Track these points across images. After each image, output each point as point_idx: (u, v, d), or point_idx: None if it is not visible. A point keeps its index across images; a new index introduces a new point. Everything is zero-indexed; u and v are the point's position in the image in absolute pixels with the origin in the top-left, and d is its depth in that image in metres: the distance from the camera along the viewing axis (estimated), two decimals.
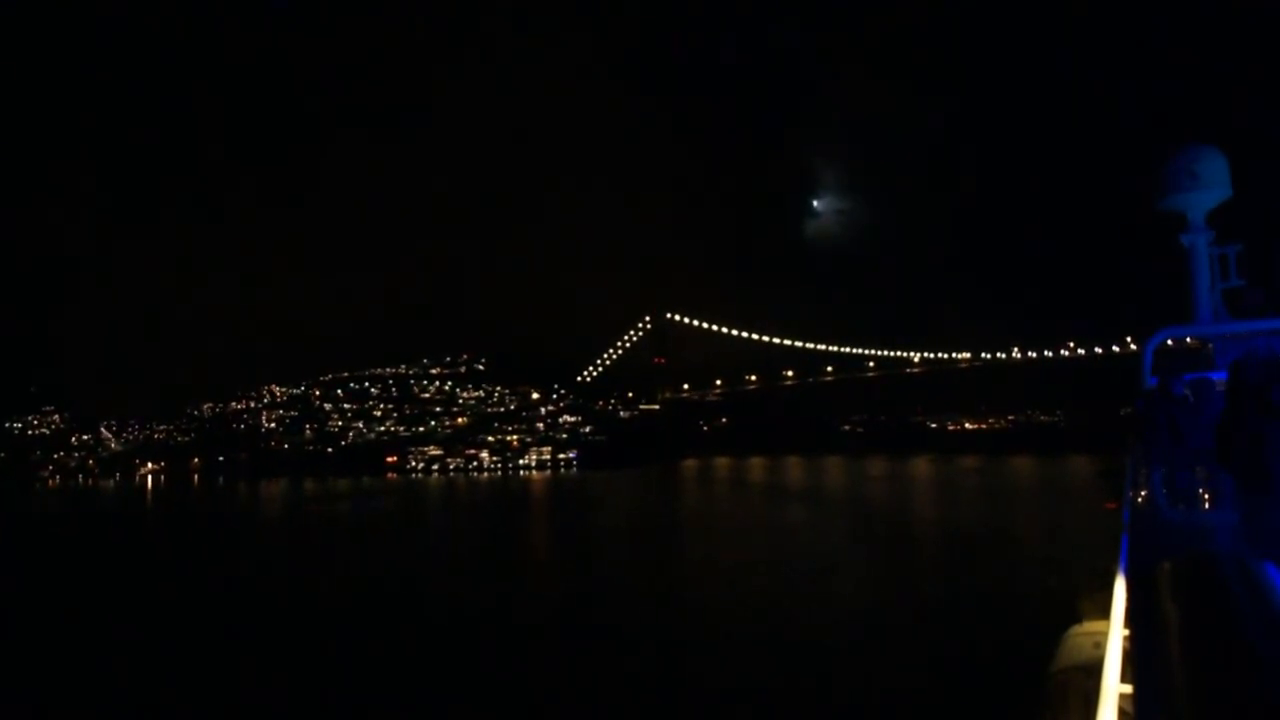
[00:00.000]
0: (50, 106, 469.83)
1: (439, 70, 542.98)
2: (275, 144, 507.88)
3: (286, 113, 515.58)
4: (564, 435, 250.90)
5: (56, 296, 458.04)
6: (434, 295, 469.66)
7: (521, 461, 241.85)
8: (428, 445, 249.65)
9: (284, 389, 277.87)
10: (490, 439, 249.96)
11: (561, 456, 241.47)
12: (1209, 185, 16.13)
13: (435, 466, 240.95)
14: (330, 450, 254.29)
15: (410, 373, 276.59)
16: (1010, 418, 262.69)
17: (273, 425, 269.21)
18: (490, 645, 31.56)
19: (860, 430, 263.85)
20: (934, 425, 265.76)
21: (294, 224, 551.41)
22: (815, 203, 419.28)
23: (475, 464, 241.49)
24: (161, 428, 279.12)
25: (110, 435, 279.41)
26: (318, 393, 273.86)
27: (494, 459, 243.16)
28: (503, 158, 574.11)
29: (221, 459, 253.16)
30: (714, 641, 31.64)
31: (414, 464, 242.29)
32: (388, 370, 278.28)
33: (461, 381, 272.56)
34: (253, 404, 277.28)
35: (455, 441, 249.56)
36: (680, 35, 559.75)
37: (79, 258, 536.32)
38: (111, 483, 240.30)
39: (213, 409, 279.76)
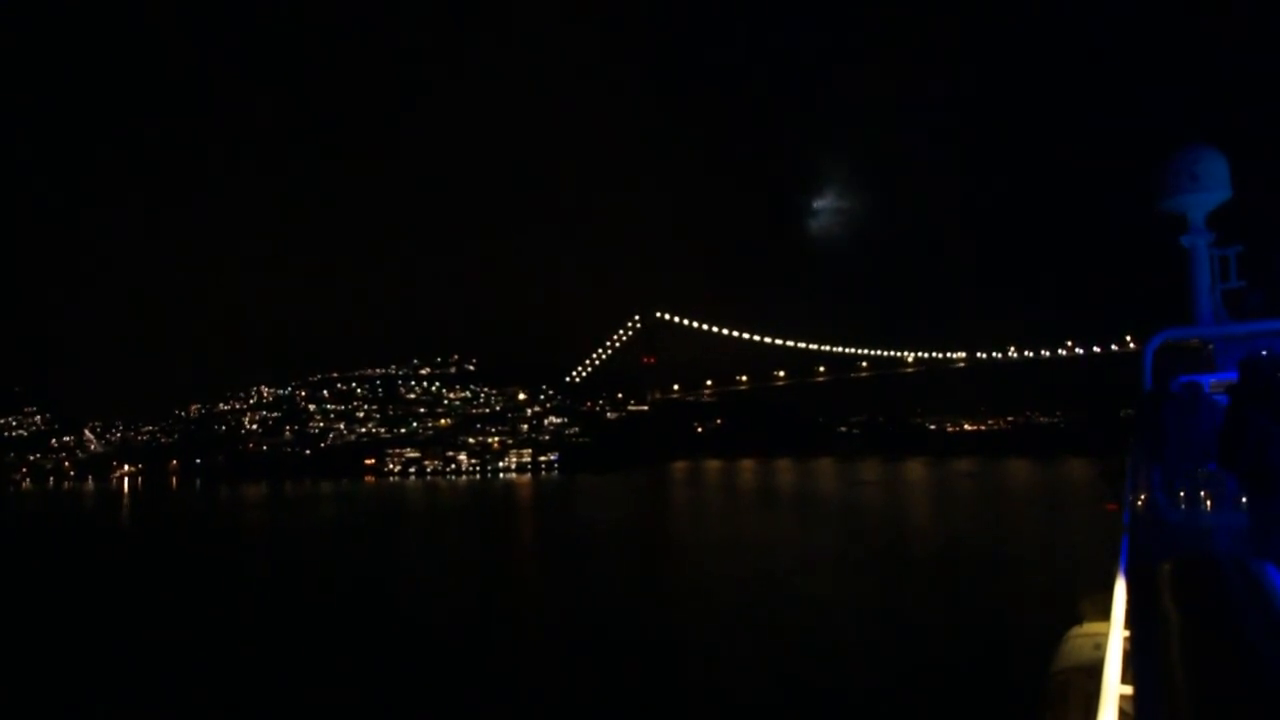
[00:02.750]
0: (40, 103, 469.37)
1: (428, 68, 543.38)
2: (271, 142, 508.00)
3: (280, 111, 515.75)
4: (547, 437, 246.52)
5: (47, 296, 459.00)
6: (427, 296, 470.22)
7: (501, 464, 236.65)
8: (407, 447, 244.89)
9: (272, 390, 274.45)
10: (471, 441, 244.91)
11: (542, 459, 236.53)
12: (1209, 187, 16.12)
13: (412, 469, 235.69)
14: (308, 452, 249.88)
15: (399, 373, 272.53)
16: (1010, 419, 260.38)
17: (254, 427, 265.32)
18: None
19: (857, 432, 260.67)
20: (933, 427, 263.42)
21: (290, 224, 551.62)
22: (808, 201, 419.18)
23: (453, 467, 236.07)
24: (146, 429, 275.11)
25: (92, 437, 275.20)
26: (303, 393, 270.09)
27: (472, 462, 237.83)
28: (495, 156, 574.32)
29: (198, 461, 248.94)
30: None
31: (391, 467, 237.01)
32: (376, 371, 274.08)
33: (450, 382, 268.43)
34: (239, 405, 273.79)
35: (434, 444, 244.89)
36: (672, 31, 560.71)
37: (72, 256, 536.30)
38: (84, 485, 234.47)
39: (200, 410, 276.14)
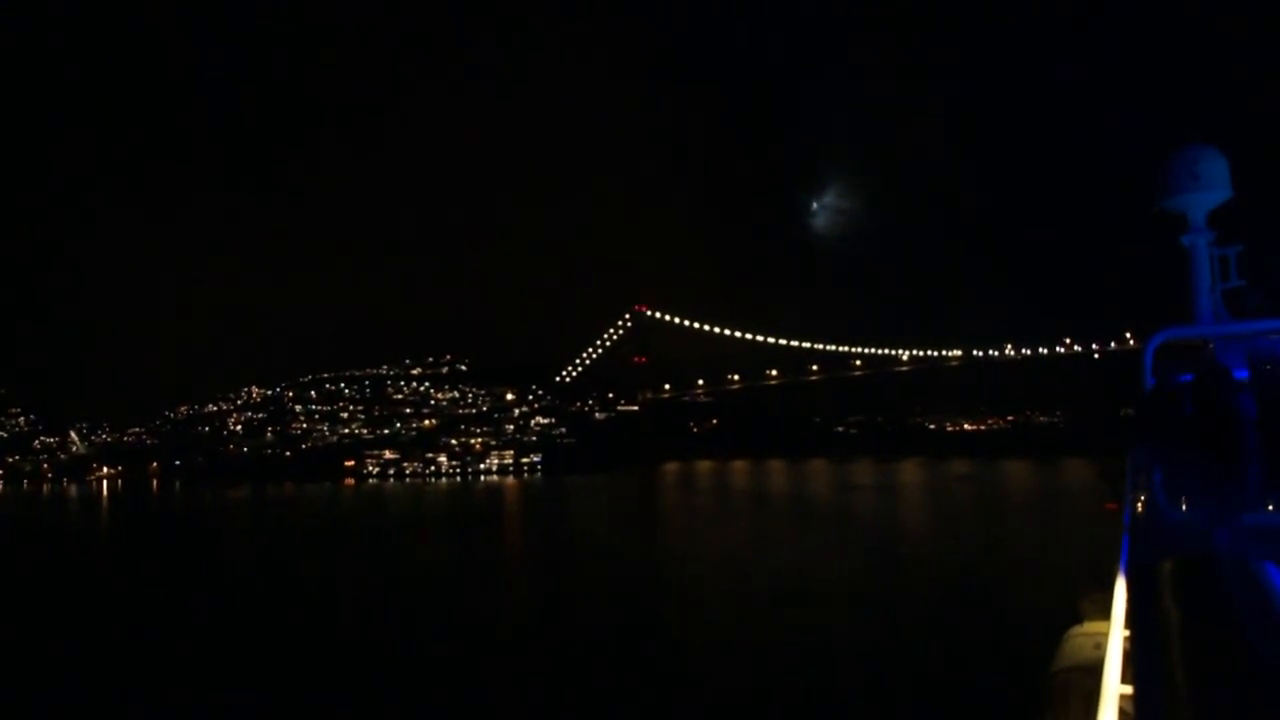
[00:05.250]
0: (28, 102, 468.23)
1: (421, 65, 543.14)
2: (267, 141, 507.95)
3: (273, 109, 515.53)
4: (533, 438, 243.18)
5: (40, 296, 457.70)
6: (423, 296, 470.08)
7: (482, 466, 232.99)
8: (387, 449, 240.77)
9: (261, 390, 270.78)
10: (453, 442, 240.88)
11: (525, 461, 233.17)
12: (1210, 186, 16.05)
13: (391, 471, 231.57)
14: (288, 454, 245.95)
15: (390, 373, 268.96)
16: (1009, 418, 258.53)
17: (237, 428, 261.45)
18: None
19: (854, 432, 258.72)
20: (931, 426, 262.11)
21: (284, 223, 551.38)
22: (801, 198, 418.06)
23: (432, 469, 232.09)
24: (133, 430, 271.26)
25: (77, 438, 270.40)
26: (290, 394, 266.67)
27: (452, 464, 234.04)
28: (489, 154, 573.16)
29: (178, 463, 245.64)
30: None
31: (370, 469, 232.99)
32: (368, 370, 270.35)
33: (440, 383, 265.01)
34: (227, 406, 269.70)
35: (415, 445, 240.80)
36: (666, 28, 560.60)
37: (68, 255, 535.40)
38: (62, 488, 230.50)
39: (188, 411, 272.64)
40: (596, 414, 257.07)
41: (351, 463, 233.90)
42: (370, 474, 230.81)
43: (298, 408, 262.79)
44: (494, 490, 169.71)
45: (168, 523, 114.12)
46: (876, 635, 33.77)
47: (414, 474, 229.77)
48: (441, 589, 51.40)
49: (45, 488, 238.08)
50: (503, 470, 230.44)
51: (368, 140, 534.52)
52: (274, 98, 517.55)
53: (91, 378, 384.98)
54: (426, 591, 50.63)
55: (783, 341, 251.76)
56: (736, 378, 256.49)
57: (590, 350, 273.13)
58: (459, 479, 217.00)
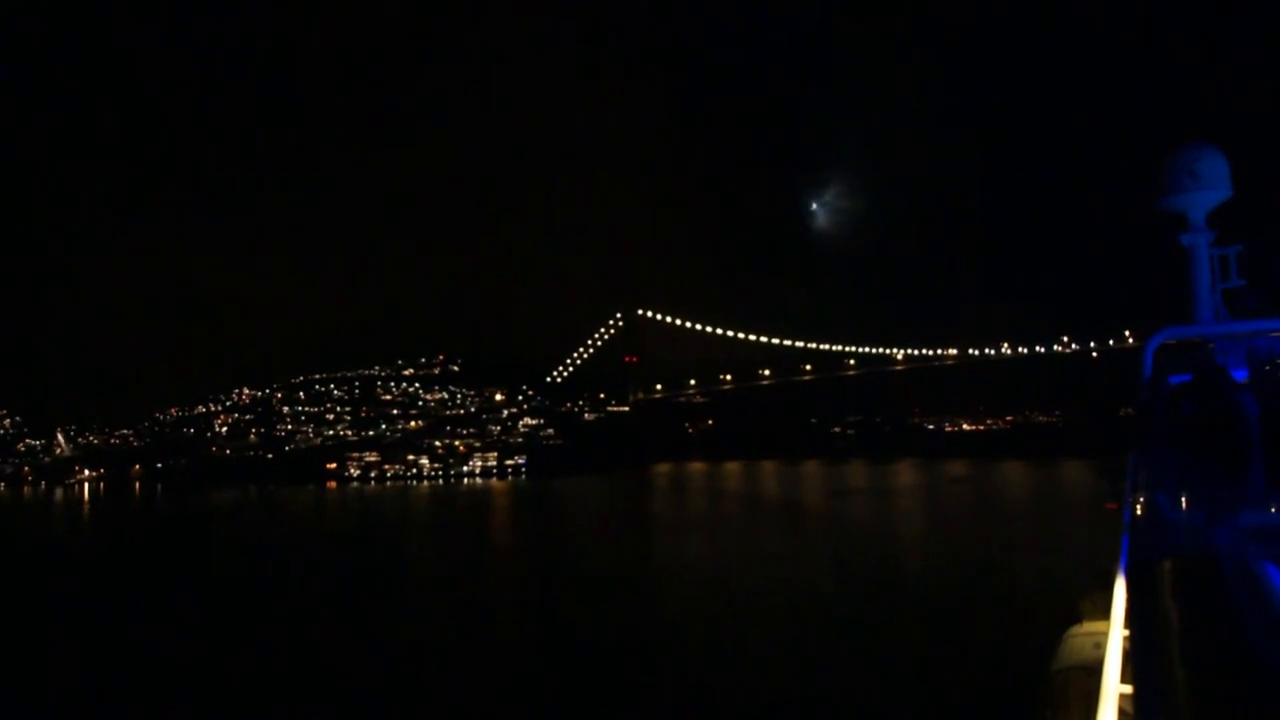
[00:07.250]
0: (17, 96, 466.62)
1: (414, 65, 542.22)
2: (260, 140, 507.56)
3: (265, 108, 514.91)
4: (520, 439, 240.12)
5: (34, 297, 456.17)
6: (419, 297, 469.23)
7: (465, 468, 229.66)
8: (370, 451, 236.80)
9: (252, 391, 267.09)
10: (437, 444, 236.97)
11: (509, 463, 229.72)
12: (1210, 185, 16.05)
13: (373, 474, 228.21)
14: (270, 456, 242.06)
15: (381, 374, 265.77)
16: (1008, 418, 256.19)
17: (222, 430, 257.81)
18: None
19: (851, 433, 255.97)
20: (930, 427, 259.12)
21: (282, 223, 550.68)
22: (797, 195, 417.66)
23: (414, 471, 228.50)
24: (121, 432, 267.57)
25: (63, 441, 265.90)
26: (280, 395, 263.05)
27: (435, 466, 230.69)
28: (480, 152, 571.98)
29: (160, 466, 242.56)
30: None
31: (351, 471, 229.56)
32: (360, 371, 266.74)
33: (431, 383, 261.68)
34: (216, 408, 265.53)
35: (398, 447, 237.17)
36: (658, 23, 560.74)
37: (69, 253, 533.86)
38: (40, 490, 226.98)
39: (178, 413, 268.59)
40: (586, 414, 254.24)
41: (333, 465, 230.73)
42: (351, 476, 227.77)
43: (285, 409, 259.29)
44: (472, 493, 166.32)
45: (139, 526, 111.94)
46: (858, 648, 32.78)
47: (395, 476, 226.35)
48: (395, 600, 49.68)
49: (26, 491, 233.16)
50: (486, 473, 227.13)
51: (362, 141, 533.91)
52: (268, 97, 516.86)
53: (86, 379, 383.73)
54: (391, 600, 49.21)
55: (776, 341, 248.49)
56: (728, 377, 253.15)
57: (581, 350, 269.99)
58: (440, 481, 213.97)
